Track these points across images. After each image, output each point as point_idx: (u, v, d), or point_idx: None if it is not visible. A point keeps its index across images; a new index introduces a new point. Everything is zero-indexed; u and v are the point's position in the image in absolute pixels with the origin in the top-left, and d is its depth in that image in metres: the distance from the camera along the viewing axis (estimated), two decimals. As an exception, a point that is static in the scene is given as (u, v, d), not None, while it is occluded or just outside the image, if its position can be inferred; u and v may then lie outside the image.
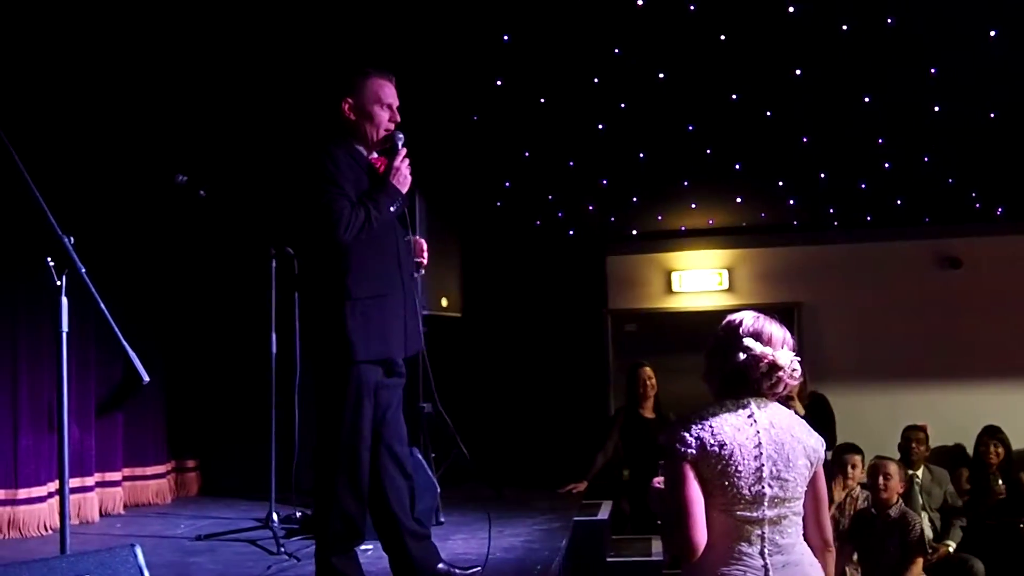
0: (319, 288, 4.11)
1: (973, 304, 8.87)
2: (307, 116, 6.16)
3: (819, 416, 7.11)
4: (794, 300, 9.06)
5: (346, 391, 4.05)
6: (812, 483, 2.96)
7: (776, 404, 2.98)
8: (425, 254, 4.49)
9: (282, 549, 5.23)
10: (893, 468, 6.59)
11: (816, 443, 2.96)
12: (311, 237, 4.13)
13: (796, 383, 2.99)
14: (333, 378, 4.08)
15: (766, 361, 2.90)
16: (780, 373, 2.91)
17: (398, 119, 4.25)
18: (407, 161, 4.23)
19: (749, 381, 2.93)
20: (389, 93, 4.23)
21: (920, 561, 6.40)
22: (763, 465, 2.84)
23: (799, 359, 2.97)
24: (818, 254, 9.24)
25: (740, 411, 2.91)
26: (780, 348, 2.94)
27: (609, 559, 6.21)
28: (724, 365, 2.96)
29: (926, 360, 8.87)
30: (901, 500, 6.61)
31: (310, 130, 4.82)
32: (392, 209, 4.15)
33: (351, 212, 3.99)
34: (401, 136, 4.25)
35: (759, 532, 2.85)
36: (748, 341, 2.93)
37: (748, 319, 2.99)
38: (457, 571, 4.34)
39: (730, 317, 3.03)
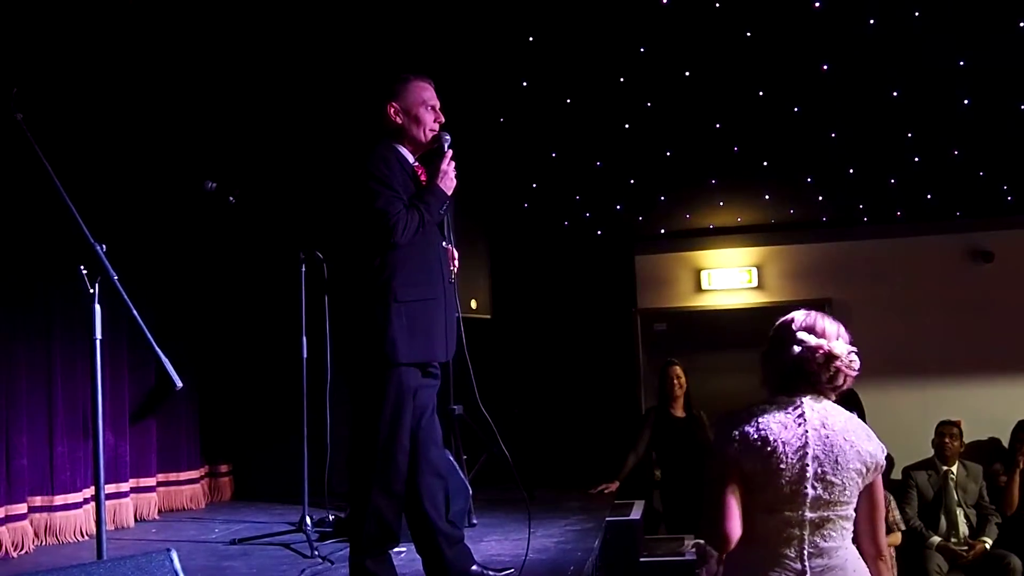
0: (361, 291, 4.10)
1: (1006, 298, 8.77)
2: (334, 121, 6.20)
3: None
4: (824, 296, 8.97)
5: (386, 394, 4.05)
6: (869, 489, 2.91)
7: (834, 405, 2.94)
8: (456, 263, 4.49)
9: (316, 552, 5.24)
10: None
11: (875, 448, 2.89)
12: (362, 240, 4.09)
13: (854, 374, 2.93)
14: (372, 381, 4.08)
15: (822, 352, 2.88)
16: (837, 363, 2.88)
17: (443, 119, 4.29)
18: (453, 164, 4.25)
19: (806, 374, 2.90)
20: (431, 95, 4.28)
21: None
22: (807, 465, 2.81)
23: (856, 351, 2.94)
24: (848, 250, 9.16)
25: (791, 409, 2.89)
26: (835, 340, 2.92)
27: (642, 559, 6.19)
28: (780, 361, 2.94)
29: (959, 355, 8.78)
30: None
31: (350, 135, 4.83)
32: (441, 211, 4.17)
33: (407, 215, 4.02)
34: (448, 137, 4.28)
35: (799, 533, 2.82)
36: (802, 334, 2.91)
37: (800, 315, 3.00)
38: (491, 573, 4.33)
39: (782, 318, 3.03)
